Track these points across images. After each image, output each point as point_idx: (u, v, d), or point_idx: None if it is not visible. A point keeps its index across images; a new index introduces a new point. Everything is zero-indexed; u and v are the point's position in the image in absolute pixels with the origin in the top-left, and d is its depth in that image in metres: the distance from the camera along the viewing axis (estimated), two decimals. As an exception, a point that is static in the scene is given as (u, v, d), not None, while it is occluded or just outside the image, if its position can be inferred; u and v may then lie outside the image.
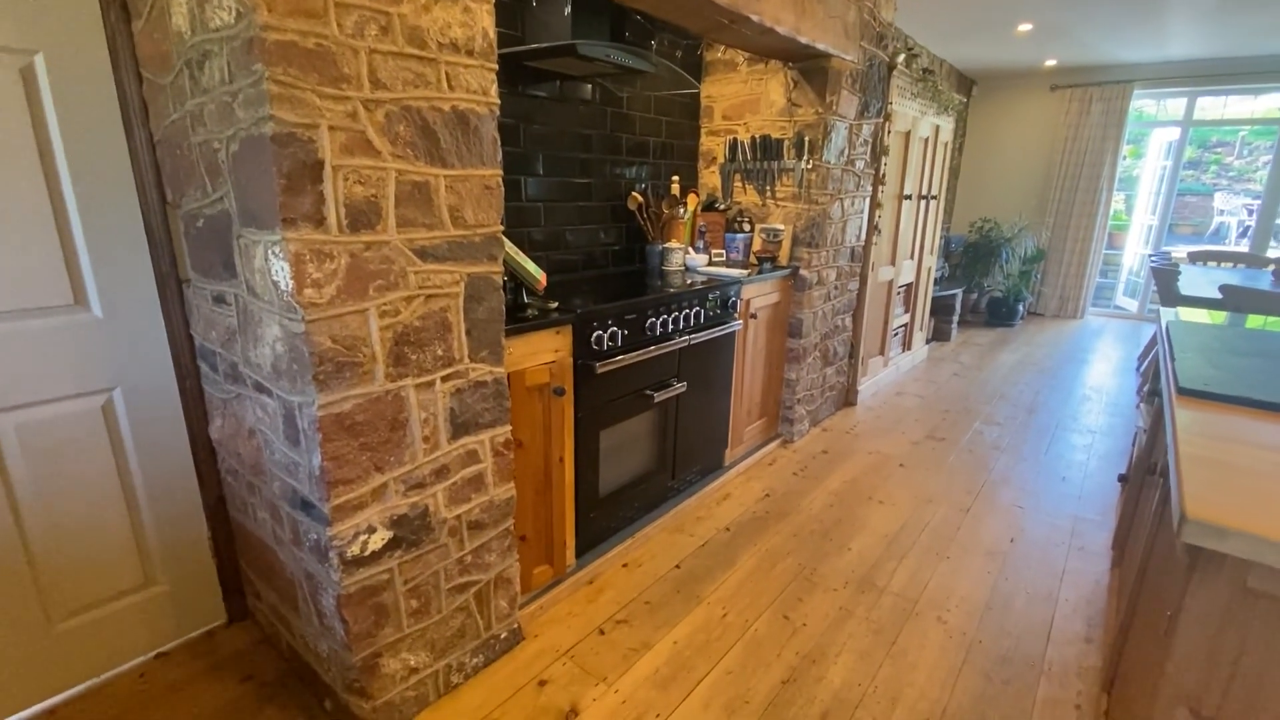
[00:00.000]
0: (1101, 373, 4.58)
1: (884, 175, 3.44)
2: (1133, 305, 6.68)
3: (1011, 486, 2.75)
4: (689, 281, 2.53)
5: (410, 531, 1.40)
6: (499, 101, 1.36)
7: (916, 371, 4.50)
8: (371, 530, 1.32)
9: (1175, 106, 6.04)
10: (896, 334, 4.30)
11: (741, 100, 2.98)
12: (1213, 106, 6.06)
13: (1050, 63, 5.82)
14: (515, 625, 1.73)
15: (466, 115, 1.31)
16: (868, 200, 3.36)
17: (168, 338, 1.60)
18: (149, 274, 1.54)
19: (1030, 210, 6.56)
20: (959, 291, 5.52)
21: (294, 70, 1.04)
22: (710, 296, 2.39)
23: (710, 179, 3.17)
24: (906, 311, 4.40)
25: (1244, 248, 9.64)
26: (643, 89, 2.76)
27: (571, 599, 1.96)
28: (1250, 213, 9.90)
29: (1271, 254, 5.73)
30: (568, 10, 1.95)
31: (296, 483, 1.32)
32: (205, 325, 1.51)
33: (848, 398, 3.77)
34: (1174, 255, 4.70)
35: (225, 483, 1.71)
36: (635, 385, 2.10)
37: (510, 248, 1.66)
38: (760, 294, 2.75)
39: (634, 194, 2.74)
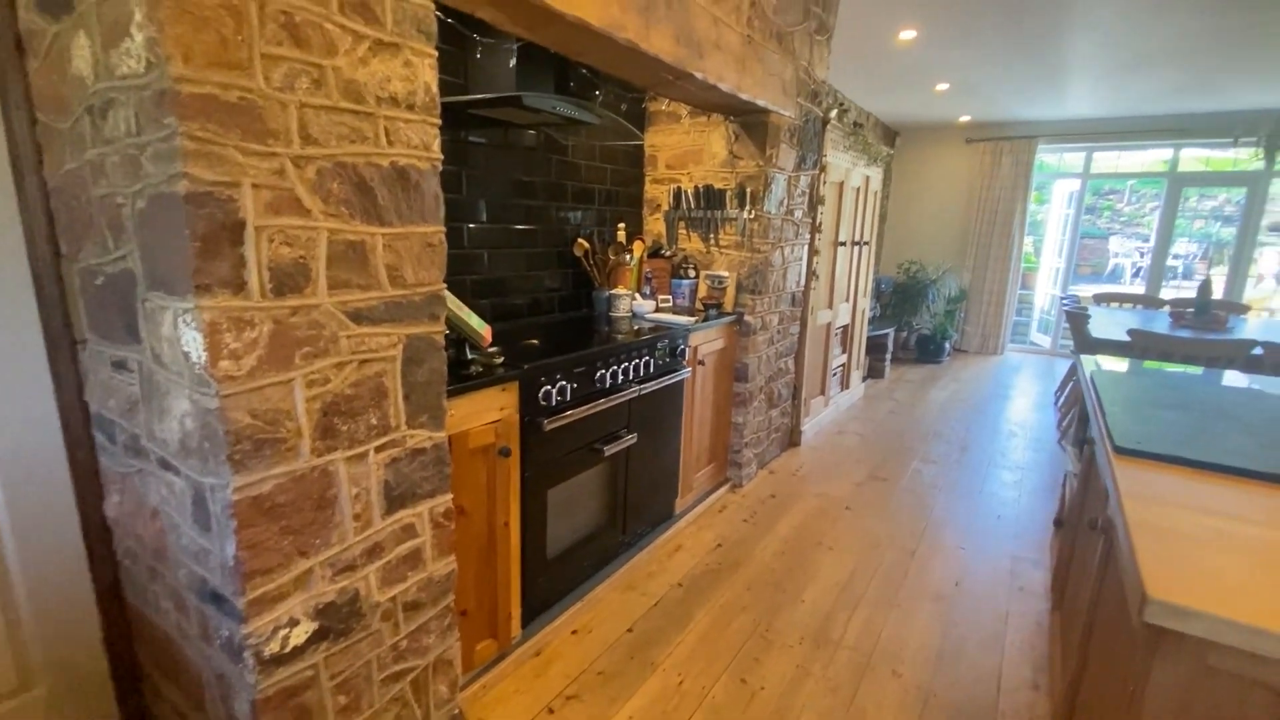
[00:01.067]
0: (1023, 408, 4.84)
1: (820, 224, 3.56)
2: (1046, 341, 7.16)
3: (952, 527, 2.82)
4: (636, 328, 2.50)
5: (338, 620, 1.26)
6: (441, 156, 1.31)
7: (855, 409, 4.62)
8: (294, 623, 1.18)
9: (1075, 159, 6.62)
10: (835, 374, 4.41)
11: (685, 150, 3.03)
12: (1107, 160, 6.68)
13: (965, 118, 6.29)
14: (456, 711, 1.59)
15: (407, 171, 1.24)
16: (806, 248, 3.46)
17: (57, 403, 1.41)
18: (36, 332, 1.37)
19: (952, 253, 6.98)
20: (891, 331, 5.76)
21: (213, 125, 0.95)
22: (659, 345, 2.36)
23: (656, 225, 3.19)
24: (844, 352, 4.53)
25: (1139, 286, 10.56)
26: (588, 137, 2.76)
27: (518, 674, 1.83)
28: (1142, 254, 10.94)
29: (1165, 294, 6.29)
30: (512, 63, 1.92)
31: (206, 572, 1.17)
32: (103, 392, 1.35)
33: (792, 438, 3.81)
34: (1082, 298, 5.08)
35: (122, 566, 1.51)
36: (585, 439, 2.03)
37: (453, 303, 1.58)
38: (707, 340, 2.75)
39: (580, 240, 2.71)
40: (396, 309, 1.27)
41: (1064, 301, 4.71)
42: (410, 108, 1.23)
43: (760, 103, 2.56)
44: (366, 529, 1.30)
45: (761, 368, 3.17)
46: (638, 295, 2.83)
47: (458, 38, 2.07)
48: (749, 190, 2.86)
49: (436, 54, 1.26)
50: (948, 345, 6.46)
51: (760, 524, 2.79)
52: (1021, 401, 5.03)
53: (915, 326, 6.67)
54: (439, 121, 1.29)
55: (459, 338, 1.67)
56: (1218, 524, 0.97)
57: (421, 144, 1.26)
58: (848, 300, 4.35)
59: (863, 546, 2.62)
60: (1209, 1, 3.03)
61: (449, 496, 1.47)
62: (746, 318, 2.99)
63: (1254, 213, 5.83)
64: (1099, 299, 5.32)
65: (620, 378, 2.13)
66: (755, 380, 3.12)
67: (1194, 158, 6.25)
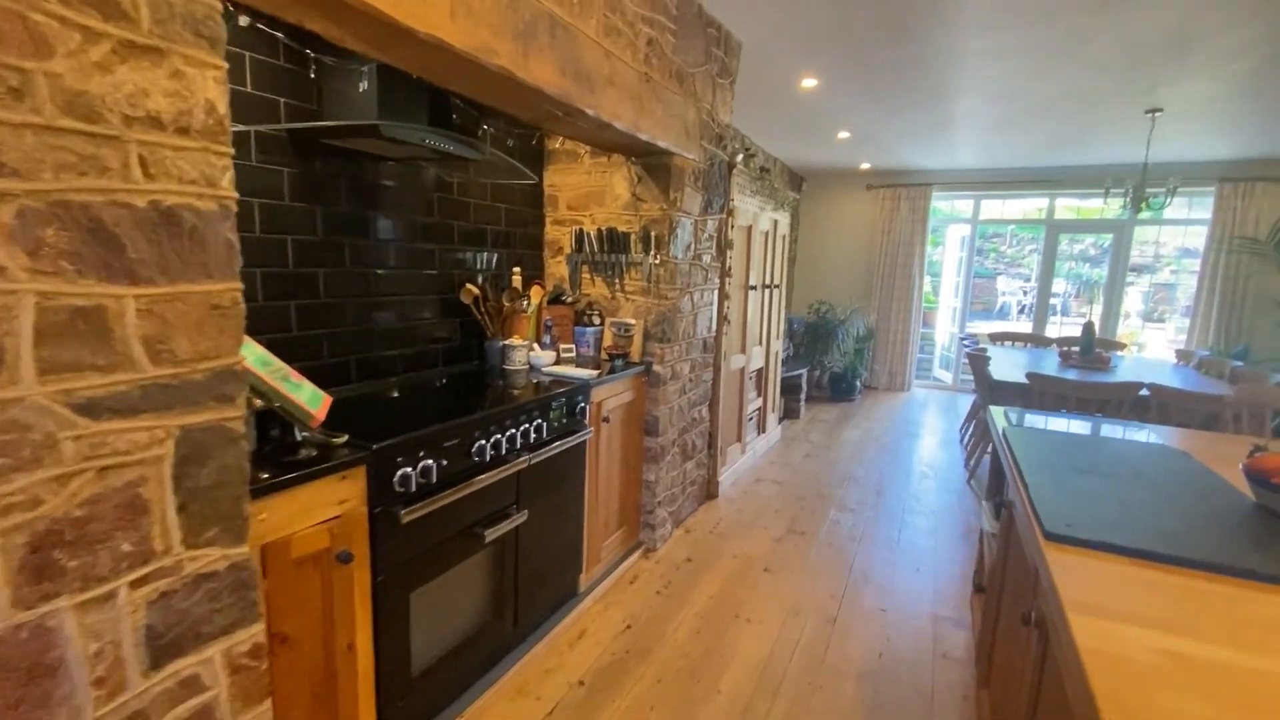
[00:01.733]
0: (931, 446, 4.91)
1: (730, 268, 3.46)
2: (948, 377, 7.46)
3: (872, 585, 2.68)
4: (536, 382, 2.24)
5: (62, 838, 0.89)
6: (234, 194, 1.02)
7: (772, 454, 4.52)
8: None
9: (965, 206, 7.04)
10: (752, 418, 4.30)
11: (586, 191, 2.85)
12: (994, 207, 7.15)
13: (865, 165, 6.56)
14: None
15: (177, 214, 0.94)
16: (716, 292, 3.34)
17: None
18: None
19: (859, 294, 7.20)
20: (804, 371, 5.77)
21: None
22: (555, 404, 2.10)
23: (558, 269, 2.96)
24: (759, 396, 4.44)
25: (1025, 321, 11.38)
26: (478, 174, 2.52)
27: (368, 833, 1.46)
28: (1025, 292, 11.89)
29: (1050, 330, 6.72)
30: (363, 86, 1.66)
31: None
32: None
33: (710, 490, 3.62)
34: (979, 337, 5.28)
35: None
36: (460, 524, 1.72)
37: (273, 372, 1.26)
38: (613, 394, 2.52)
39: (468, 286, 2.43)
40: (162, 394, 0.95)
41: (964, 342, 4.87)
42: (183, 131, 0.94)
43: (662, 144, 2.42)
44: (117, 696, 0.94)
45: (674, 419, 2.97)
46: (536, 346, 2.57)
47: (304, 57, 1.79)
48: (654, 234, 2.70)
49: (225, 66, 0.98)
50: (858, 383, 6.58)
51: (675, 595, 2.54)
52: (930, 440, 5.12)
53: (827, 365, 6.77)
54: (229, 150, 1.00)
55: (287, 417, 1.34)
56: (1174, 646, 0.82)
57: (202, 178, 0.97)
58: (760, 344, 4.28)
59: (783, 614, 2.42)
60: (1083, 63, 3.22)
61: (259, 627, 1.13)
62: (656, 367, 2.79)
63: (1121, 256, 6.37)
64: (994, 338, 5.58)
65: (506, 447, 1.85)
66: (667, 434, 2.91)
67: (1065, 206, 6.80)
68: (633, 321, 2.77)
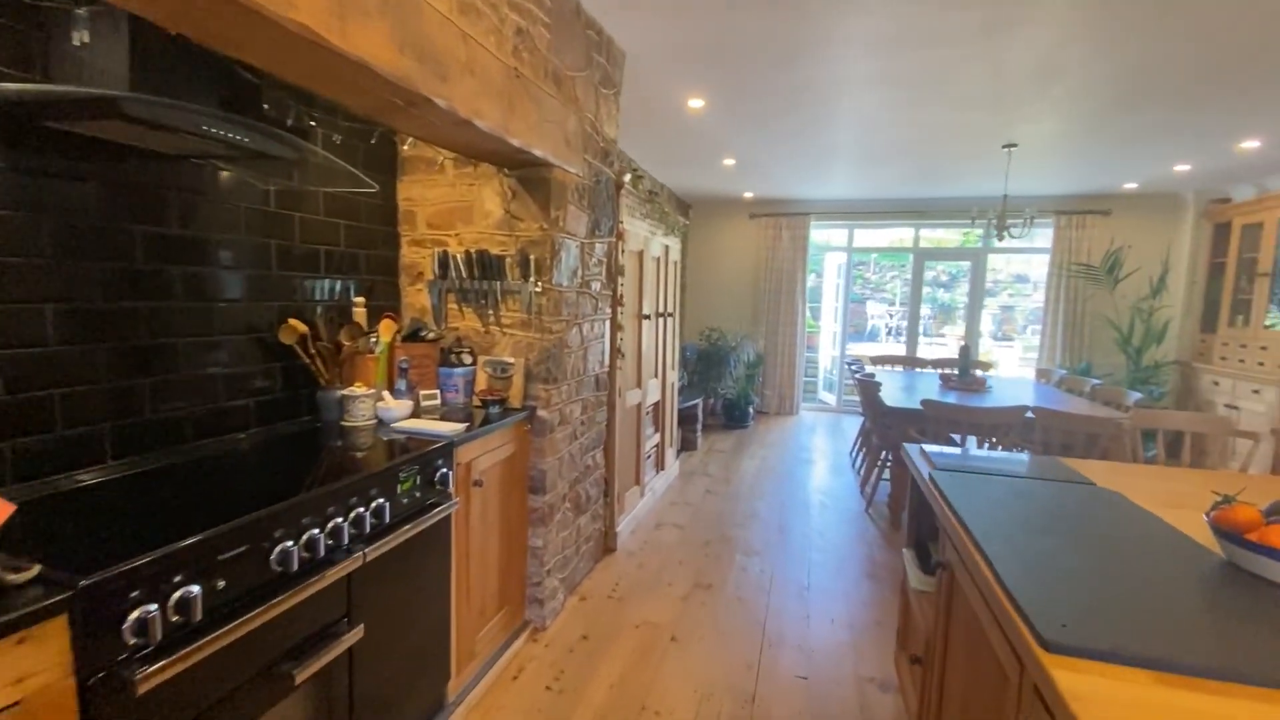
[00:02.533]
0: (825, 473, 4.86)
1: (622, 295, 3.15)
2: (832, 399, 7.65)
3: (788, 646, 2.41)
4: (383, 442, 1.77)
5: None
6: None
7: (672, 493, 4.23)
8: None
9: (841, 235, 7.31)
10: (650, 457, 3.99)
11: (451, 207, 2.42)
12: (865, 236, 7.50)
13: (749, 194, 6.61)
14: None
15: None
16: (607, 323, 3.01)
17: None
18: None
19: (748, 321, 7.21)
20: (699, 400, 5.59)
21: None
22: (406, 473, 1.64)
23: (418, 299, 2.49)
24: (657, 431, 4.15)
25: (893, 343, 12.17)
26: (306, 182, 2.01)
27: None
28: (891, 315, 12.80)
29: (922, 351, 7.11)
30: (80, 37, 1.15)
31: None
32: None
33: (607, 543, 3.23)
34: (863, 363, 5.38)
35: None
36: (253, 667, 1.21)
37: None
38: (487, 450, 2.08)
39: (291, 322, 1.91)
40: None
41: (852, 368, 4.90)
42: None
43: (538, 153, 2.06)
44: None
45: (563, 471, 2.57)
46: (387, 394, 2.08)
47: (32, 9, 1.25)
48: (533, 257, 2.32)
49: None
50: (751, 410, 6.52)
51: (570, 689, 2.11)
52: (822, 465, 5.09)
53: (721, 392, 6.67)
54: None
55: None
56: None
57: None
58: (657, 375, 4.00)
59: (696, 699, 2.08)
60: (954, 97, 3.30)
61: None
62: (541, 412, 2.39)
63: (978, 282, 6.86)
64: (876, 361, 5.73)
65: (329, 544, 1.36)
66: (556, 488, 2.51)
67: (926, 236, 7.27)
68: (511, 360, 2.36)
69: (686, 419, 5.35)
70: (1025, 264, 8.21)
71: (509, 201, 2.32)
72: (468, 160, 2.32)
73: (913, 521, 2.05)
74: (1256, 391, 4.53)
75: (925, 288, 12.87)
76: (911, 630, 1.96)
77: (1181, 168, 4.81)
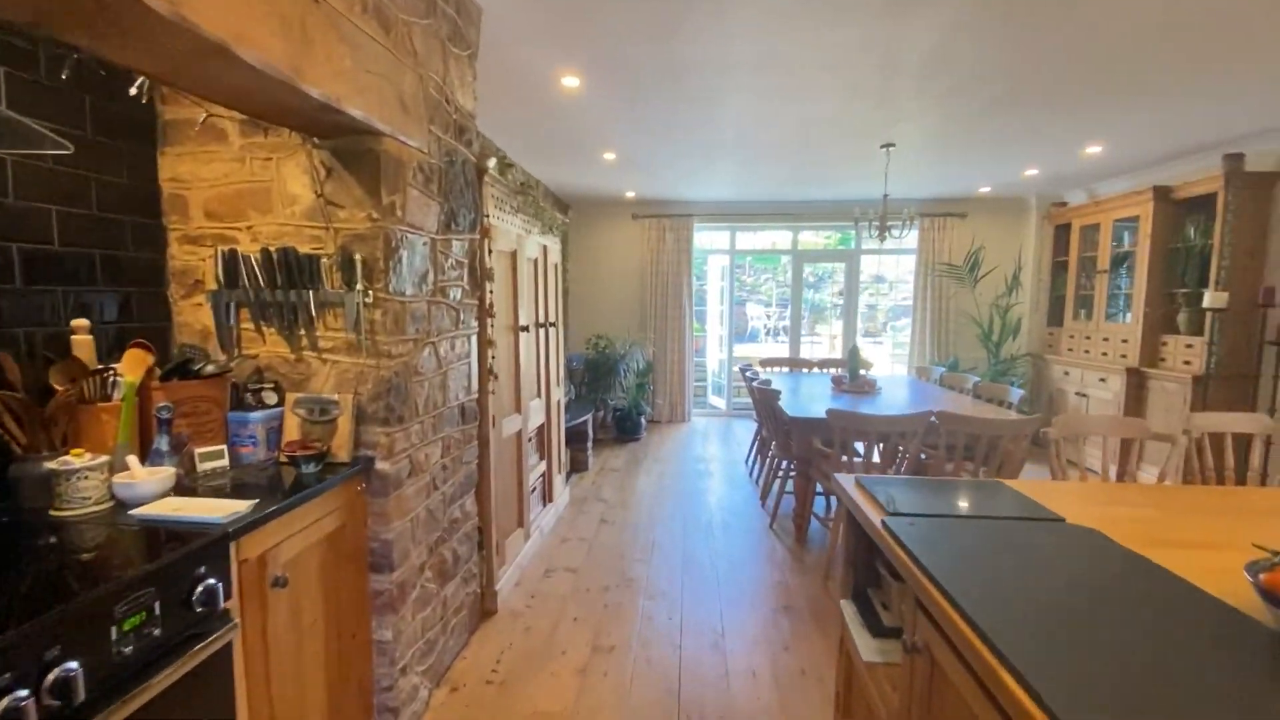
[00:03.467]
0: (722, 485, 4.59)
1: (492, 305, 2.62)
2: (721, 404, 7.52)
3: (711, 720, 2.02)
4: (115, 536, 1.12)
5: None
6: None
7: (563, 527, 3.72)
8: None
9: (723, 238, 7.19)
10: (535, 490, 3.46)
11: (238, 189, 1.76)
12: (747, 239, 7.45)
13: (631, 194, 6.26)
14: None
15: None
16: (474, 339, 2.46)
17: None
18: None
19: (635, 326, 6.87)
20: (589, 415, 5.13)
21: None
22: (143, 595, 1.02)
23: (197, 317, 1.80)
24: (542, 459, 3.62)
25: (773, 344, 12.43)
26: (-33, 143, 1.29)
27: None
28: (769, 317, 13.14)
29: (804, 350, 7.16)
30: None
31: None
32: None
33: (485, 605, 2.67)
34: (752, 365, 5.20)
35: None
36: None
37: None
38: (294, 532, 1.48)
39: (-60, 365, 1.20)
40: None
41: (746, 375, 4.68)
42: None
43: (355, 113, 1.49)
44: None
45: (419, 535, 1.99)
46: (133, 460, 1.40)
47: None
48: (360, 258, 1.73)
49: None
50: (643, 420, 6.17)
51: (431, 841, 1.56)
52: (719, 476, 4.83)
53: (611, 403, 6.26)
54: None
55: None
56: None
57: None
58: (540, 395, 3.48)
59: (604, 824, 1.61)
60: (841, 86, 3.11)
61: None
62: (380, 465, 1.80)
63: (853, 282, 7.02)
64: (765, 364, 5.59)
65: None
66: (409, 560, 1.93)
67: (805, 240, 7.36)
68: (335, 397, 1.75)
69: (576, 437, 4.87)
70: (883, 265, 8.58)
71: (321, 182, 1.72)
72: (257, 124, 1.69)
73: (851, 569, 1.73)
74: (1103, 380, 4.89)
75: (805, 289, 13.33)
76: (857, 703, 1.63)
77: (1031, 172, 5.11)
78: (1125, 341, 4.75)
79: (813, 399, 3.89)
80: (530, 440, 3.36)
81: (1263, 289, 3.80)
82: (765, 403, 3.89)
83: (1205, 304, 3.95)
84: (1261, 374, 3.91)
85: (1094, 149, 4.31)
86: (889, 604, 1.56)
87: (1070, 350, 5.45)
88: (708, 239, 7.32)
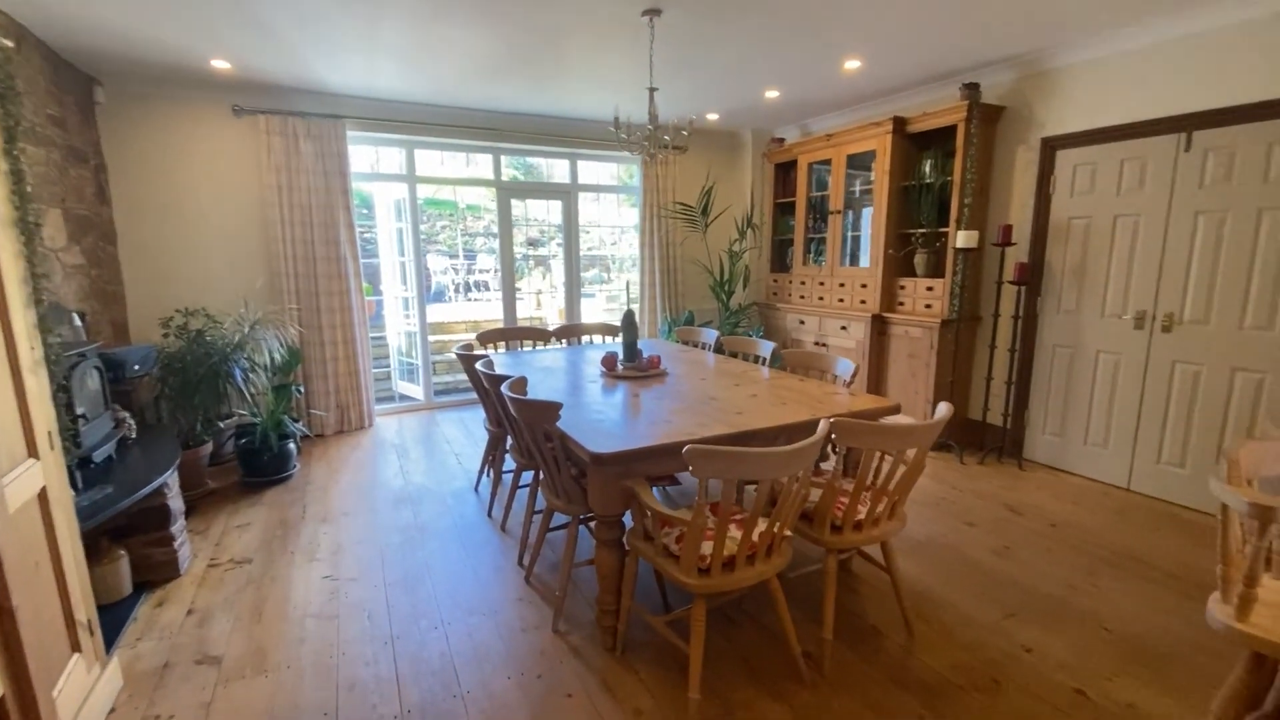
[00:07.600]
0: (454, 562, 2.86)
1: None
2: (417, 391, 5.52)
3: None
4: None
5: None
6: None
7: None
8: None
9: (395, 157, 5.02)
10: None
11: None
12: (429, 160, 5.41)
13: (222, 64, 3.63)
14: None
15: None
16: None
17: None
18: None
19: (261, 295, 4.34)
20: (173, 467, 2.70)
21: None
22: None
23: None
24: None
25: (462, 303, 10.47)
26: None
27: None
28: (455, 270, 11.04)
29: (521, 319, 5.62)
30: None
31: None
32: None
33: None
34: (479, 348, 3.49)
35: None
36: None
37: None
38: None
39: None
40: None
41: (480, 367, 2.94)
42: None
43: None
44: None
45: None
46: None
47: None
48: None
49: None
50: (293, 445, 3.86)
51: None
52: (443, 531, 3.07)
53: (224, 429, 3.77)
54: None
55: None
56: None
57: None
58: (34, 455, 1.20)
59: None
60: None
61: None
62: None
63: (572, 224, 5.69)
64: (484, 339, 3.90)
65: None
66: None
67: (511, 165, 5.70)
68: None
69: (143, 520, 2.47)
70: (602, 205, 7.48)
71: None
72: None
73: None
74: (844, 328, 4.61)
75: (483, 238, 11.44)
76: None
77: (771, 94, 4.41)
78: (864, 286, 4.50)
79: (611, 406, 2.43)
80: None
81: (1001, 227, 3.71)
82: (532, 423, 2.24)
83: (958, 244, 3.74)
84: (1000, 313, 3.92)
85: (852, 64, 3.71)
86: None
87: (803, 298, 5.15)
88: (366, 157, 5.08)
